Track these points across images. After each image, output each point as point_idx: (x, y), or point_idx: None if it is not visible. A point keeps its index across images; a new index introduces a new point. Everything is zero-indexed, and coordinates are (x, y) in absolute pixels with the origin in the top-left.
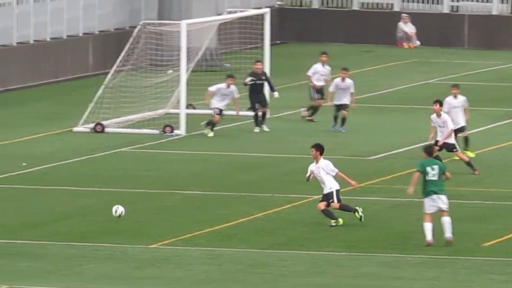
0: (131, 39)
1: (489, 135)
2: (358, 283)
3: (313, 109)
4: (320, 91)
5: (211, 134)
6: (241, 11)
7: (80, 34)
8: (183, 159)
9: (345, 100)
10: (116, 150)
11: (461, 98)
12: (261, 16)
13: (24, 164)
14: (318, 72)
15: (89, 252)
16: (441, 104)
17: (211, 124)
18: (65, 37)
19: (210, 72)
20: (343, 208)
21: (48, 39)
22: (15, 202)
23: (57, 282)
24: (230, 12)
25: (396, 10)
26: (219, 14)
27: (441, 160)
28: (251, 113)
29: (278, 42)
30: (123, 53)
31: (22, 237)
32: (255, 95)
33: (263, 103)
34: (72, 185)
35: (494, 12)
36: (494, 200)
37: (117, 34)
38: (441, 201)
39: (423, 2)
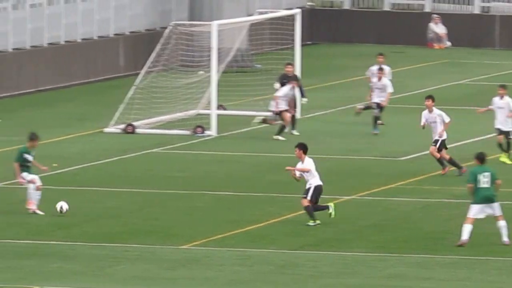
0: (161, 40)
1: None
2: (389, 284)
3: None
4: None
5: (281, 138)
6: (272, 12)
7: (111, 35)
8: (214, 159)
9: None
10: (147, 151)
11: (508, 100)
12: (292, 17)
13: (55, 165)
14: (375, 73)
15: (119, 253)
16: (433, 100)
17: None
18: (96, 38)
19: (241, 73)
20: (311, 208)
21: (79, 40)
22: (45, 203)
23: (88, 283)
24: (261, 13)
25: (427, 11)
26: (250, 15)
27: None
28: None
29: (309, 42)
30: (154, 54)
31: (53, 238)
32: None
33: (292, 105)
34: (103, 186)
35: None
36: None
37: (148, 35)
38: (492, 210)
39: (454, 3)
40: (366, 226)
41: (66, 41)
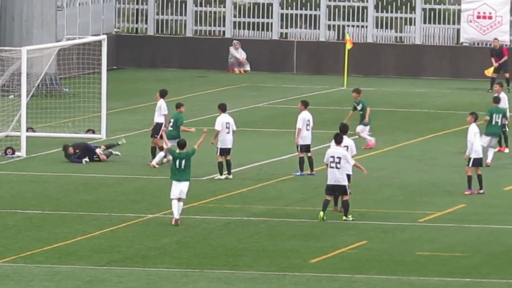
0: None
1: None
2: None
3: None
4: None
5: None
6: (79, 38)
7: None
8: (24, 180)
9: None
10: None
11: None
12: (99, 43)
13: None
14: None
15: None
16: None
17: None
18: None
19: (50, 96)
20: None
21: None
22: None
23: None
24: (69, 39)
25: (227, 37)
26: (58, 41)
27: None
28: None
29: (114, 67)
30: None
31: None
32: None
33: None
34: None
35: (322, 39)
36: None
37: None
38: None
39: (253, 29)
40: (170, 243)
41: None
